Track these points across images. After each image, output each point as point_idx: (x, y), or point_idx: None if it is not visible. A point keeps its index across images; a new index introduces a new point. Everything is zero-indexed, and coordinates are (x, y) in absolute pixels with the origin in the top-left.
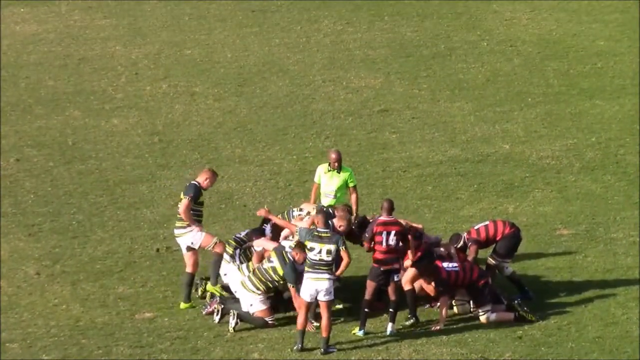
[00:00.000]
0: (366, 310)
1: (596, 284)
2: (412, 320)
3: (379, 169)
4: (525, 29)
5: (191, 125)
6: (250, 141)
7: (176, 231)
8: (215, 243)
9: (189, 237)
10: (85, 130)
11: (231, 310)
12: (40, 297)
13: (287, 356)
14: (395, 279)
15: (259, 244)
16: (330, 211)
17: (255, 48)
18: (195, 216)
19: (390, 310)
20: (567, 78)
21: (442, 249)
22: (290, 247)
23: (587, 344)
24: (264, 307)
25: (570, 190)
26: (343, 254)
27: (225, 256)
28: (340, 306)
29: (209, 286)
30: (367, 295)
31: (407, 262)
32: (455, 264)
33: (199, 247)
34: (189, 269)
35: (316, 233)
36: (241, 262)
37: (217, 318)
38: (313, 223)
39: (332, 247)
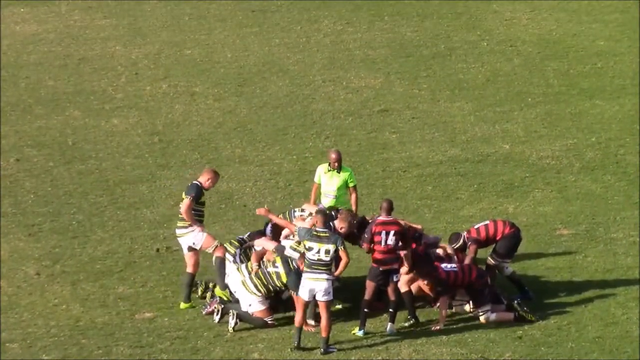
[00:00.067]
0: (366, 310)
1: (596, 284)
2: (411, 321)
3: (379, 169)
4: (525, 29)
5: (191, 125)
6: (250, 141)
7: (178, 231)
8: (216, 246)
9: (191, 237)
10: (85, 130)
11: (231, 310)
12: (40, 297)
13: (287, 356)
14: (395, 279)
15: (259, 244)
16: (332, 213)
17: (255, 48)
18: (197, 216)
19: (390, 310)
20: (567, 78)
21: (439, 250)
22: (291, 247)
23: (587, 344)
24: (262, 307)
25: (570, 190)
26: (342, 253)
27: (227, 255)
28: (340, 306)
29: (218, 290)
30: (367, 296)
31: (404, 269)
32: (454, 265)
33: (200, 248)
34: (189, 269)
35: (315, 233)
36: (241, 262)
37: (217, 318)
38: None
39: (331, 247)
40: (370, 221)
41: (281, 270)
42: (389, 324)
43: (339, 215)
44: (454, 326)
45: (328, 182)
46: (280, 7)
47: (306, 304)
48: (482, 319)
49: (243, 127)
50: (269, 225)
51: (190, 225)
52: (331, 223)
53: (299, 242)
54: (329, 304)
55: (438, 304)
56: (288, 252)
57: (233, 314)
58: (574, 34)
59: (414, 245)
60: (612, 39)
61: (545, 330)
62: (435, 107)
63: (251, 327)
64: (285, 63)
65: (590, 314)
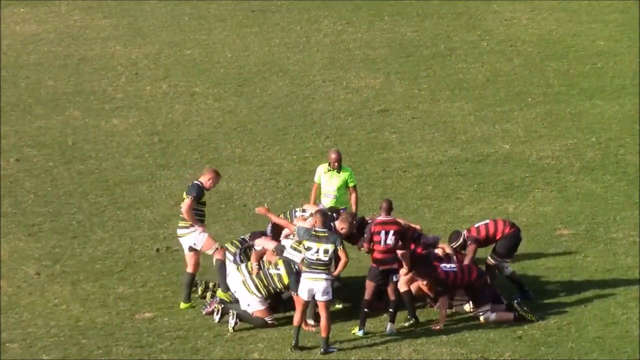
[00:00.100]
0: (366, 310)
1: (596, 284)
2: (411, 321)
3: (379, 169)
4: (525, 29)
5: (191, 125)
6: (250, 141)
7: (179, 231)
8: (216, 249)
9: (192, 238)
10: (85, 130)
11: (231, 310)
12: (40, 297)
13: (287, 356)
14: (394, 279)
15: (259, 243)
16: (334, 215)
17: (255, 48)
18: (198, 216)
19: (390, 310)
20: (567, 78)
21: (438, 250)
22: (291, 246)
23: (587, 344)
24: (261, 307)
25: (570, 190)
26: (341, 253)
27: (228, 255)
28: (340, 306)
29: (220, 293)
30: (367, 296)
31: (403, 270)
32: (453, 265)
33: (200, 250)
34: (189, 269)
35: (314, 232)
36: (241, 262)
37: (217, 318)
38: None
39: (330, 247)
40: (369, 221)
41: (283, 272)
42: (389, 324)
43: (340, 216)
44: (454, 326)
45: (328, 182)
46: (280, 7)
47: (305, 304)
48: (481, 318)
49: (243, 127)
50: (269, 225)
51: (192, 226)
52: (332, 224)
53: (299, 242)
54: (328, 303)
55: (438, 304)
56: (288, 251)
57: (233, 314)
58: (574, 34)
59: (412, 246)
60: (612, 39)
61: (545, 330)
62: (435, 107)
63: (251, 327)
64: (285, 63)
65: (590, 314)
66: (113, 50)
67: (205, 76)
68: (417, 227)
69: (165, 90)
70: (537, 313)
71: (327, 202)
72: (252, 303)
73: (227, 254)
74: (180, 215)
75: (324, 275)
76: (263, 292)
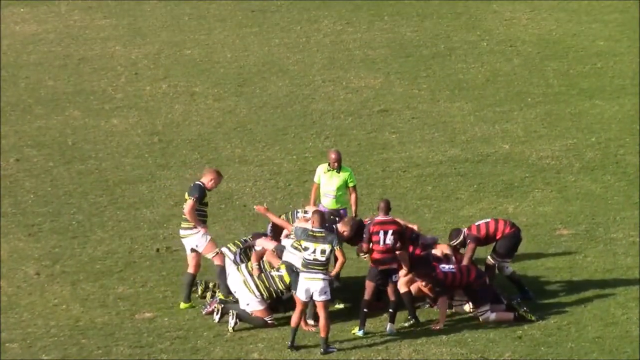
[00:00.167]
0: (365, 310)
1: (596, 284)
2: (411, 321)
3: (379, 169)
4: (525, 29)
5: (191, 125)
6: (250, 141)
7: (182, 232)
8: (216, 253)
9: (194, 240)
10: (85, 130)
11: (231, 310)
12: (40, 297)
13: (287, 356)
14: (394, 279)
15: (259, 244)
16: (336, 218)
17: (255, 48)
18: (200, 217)
19: (390, 310)
20: (567, 78)
21: (437, 251)
22: (292, 245)
23: (587, 344)
24: (261, 307)
25: (570, 190)
26: (338, 253)
27: (229, 254)
28: (341, 306)
29: (221, 296)
30: (366, 296)
31: (403, 272)
32: (452, 266)
33: (201, 252)
34: (190, 270)
35: (311, 233)
36: (241, 262)
37: (216, 318)
38: None
39: (327, 247)
40: (368, 222)
41: (284, 272)
42: (389, 324)
43: (342, 220)
44: (454, 326)
45: (328, 182)
46: (280, 7)
47: (304, 304)
48: (481, 318)
49: (243, 127)
50: (269, 225)
51: (195, 227)
52: (334, 226)
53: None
54: (326, 303)
55: (438, 304)
56: (289, 250)
57: (233, 314)
58: (573, 34)
59: (411, 249)
60: (612, 39)
61: (545, 330)
62: (435, 107)
63: (251, 327)
64: (285, 63)
65: (590, 314)
66: (113, 50)
67: (205, 76)
68: (414, 226)
69: (165, 90)
70: (537, 313)
71: (327, 202)
72: (251, 302)
73: (228, 253)
74: (183, 216)
75: (321, 275)
76: (264, 294)
